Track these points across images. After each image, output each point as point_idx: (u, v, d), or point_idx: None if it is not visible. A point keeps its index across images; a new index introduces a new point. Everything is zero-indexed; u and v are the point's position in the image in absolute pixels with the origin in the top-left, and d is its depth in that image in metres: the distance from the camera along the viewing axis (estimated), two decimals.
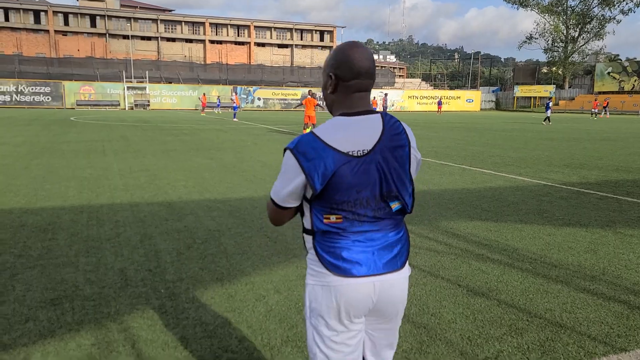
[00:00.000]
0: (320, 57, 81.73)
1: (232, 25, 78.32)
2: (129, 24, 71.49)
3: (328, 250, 1.73)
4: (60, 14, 69.36)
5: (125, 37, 70.82)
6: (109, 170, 10.37)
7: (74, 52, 67.81)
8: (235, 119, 32.91)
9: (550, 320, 3.62)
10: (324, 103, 1.88)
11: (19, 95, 47.03)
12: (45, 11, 68.02)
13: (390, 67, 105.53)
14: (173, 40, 75.47)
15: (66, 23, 69.90)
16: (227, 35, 78.11)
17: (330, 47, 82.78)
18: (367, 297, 1.74)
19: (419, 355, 3.08)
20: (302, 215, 1.83)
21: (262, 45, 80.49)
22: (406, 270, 1.85)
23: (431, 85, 78.46)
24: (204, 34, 76.55)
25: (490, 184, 9.41)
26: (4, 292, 3.95)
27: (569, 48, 74.04)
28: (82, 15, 70.43)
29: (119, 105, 50.28)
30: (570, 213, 7.10)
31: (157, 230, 5.84)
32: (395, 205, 1.76)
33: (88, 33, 70.79)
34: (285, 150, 1.72)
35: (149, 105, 51.33)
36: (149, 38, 74.11)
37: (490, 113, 60.46)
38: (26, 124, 24.16)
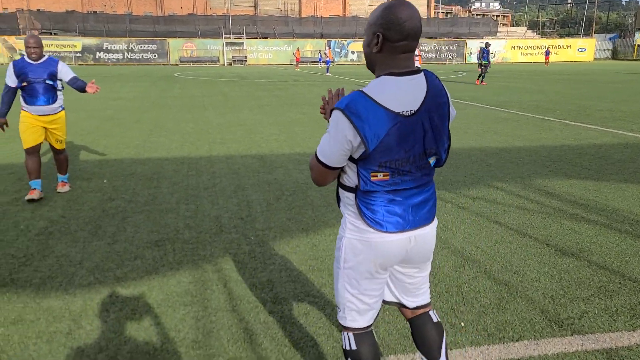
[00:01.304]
0: (417, 7, 78.45)
1: None
2: None
3: (370, 207, 1.78)
4: None
5: None
6: (209, 124, 10.96)
7: (177, 10, 70.76)
8: (328, 74, 32.93)
9: None
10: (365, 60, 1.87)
11: (129, 53, 50.27)
12: None
13: (493, 16, 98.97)
14: None
15: None
16: None
17: None
18: (403, 249, 1.85)
19: (497, 311, 3.08)
20: (342, 172, 1.85)
21: None
22: (435, 222, 1.95)
23: (538, 34, 72.69)
24: None
25: (595, 141, 8.75)
26: (117, 232, 4.45)
27: None
28: None
29: (218, 61, 52.12)
30: None
31: (250, 182, 6.16)
32: (432, 160, 1.83)
33: None
34: (333, 110, 1.72)
35: (246, 61, 52.72)
36: None
37: (605, 63, 55.10)
38: (136, 80, 25.92)
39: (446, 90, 1.82)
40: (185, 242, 4.23)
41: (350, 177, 1.81)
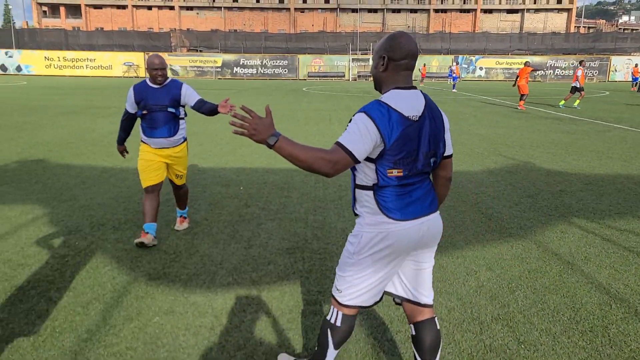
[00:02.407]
0: (555, 22, 73.87)
1: None
2: None
3: (387, 200, 2.13)
4: None
5: (354, 10, 74.22)
6: (335, 137, 11.26)
7: (308, 27, 73.92)
8: (454, 90, 32.16)
9: None
10: (373, 80, 2.28)
11: (263, 68, 53.44)
12: None
13: None
14: (398, 11, 76.36)
15: (304, 1, 76.28)
16: (453, 3, 75.78)
17: (568, 10, 74.08)
18: (418, 234, 2.17)
19: None
20: (358, 174, 2.19)
21: (490, 11, 76.06)
22: (438, 211, 2.30)
23: None
24: (429, 3, 75.55)
25: None
26: (252, 237, 4.75)
27: None
28: None
29: (343, 76, 53.37)
30: None
31: None
32: (432, 160, 2.22)
33: (322, 9, 76.14)
34: (358, 112, 2.07)
35: (370, 76, 53.32)
36: (375, 10, 76.32)
37: None
38: (268, 93, 27.44)
39: (440, 108, 2.26)
40: (313, 252, 4.39)
41: (369, 176, 2.14)
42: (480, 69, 53.96)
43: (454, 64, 42.92)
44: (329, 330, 2.31)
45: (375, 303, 2.30)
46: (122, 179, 6.96)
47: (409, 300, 2.33)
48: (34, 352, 2.83)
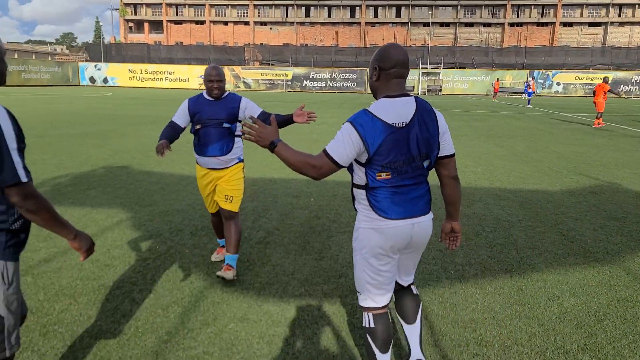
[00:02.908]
0: None
1: (536, 5, 73.11)
2: (430, 12, 73.94)
3: (377, 200, 2.32)
4: (371, 7, 76.38)
5: (426, 24, 73.60)
6: None
7: (379, 42, 74.00)
8: (529, 106, 30.98)
9: None
10: (370, 88, 2.47)
11: (332, 81, 54.02)
12: (360, 6, 75.86)
13: None
14: (471, 25, 74.91)
15: (375, 15, 76.62)
16: (530, 16, 73.34)
17: None
18: (407, 234, 2.36)
19: None
20: (354, 174, 2.40)
21: (569, 24, 72.92)
22: (431, 214, 2.46)
23: None
24: (504, 16, 73.56)
25: None
26: (322, 249, 4.77)
27: None
28: (390, 6, 76.03)
29: (412, 90, 52.86)
30: None
31: None
32: (425, 163, 2.36)
33: (392, 23, 76.13)
34: (345, 122, 2.28)
35: (440, 90, 52.49)
36: (447, 24, 75.30)
37: None
38: (337, 106, 27.67)
39: (435, 112, 2.40)
40: None
41: (361, 177, 2.35)
42: (558, 84, 51.74)
43: (530, 78, 41.34)
44: (367, 335, 2.48)
45: (389, 301, 2.51)
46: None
47: (395, 282, 2.62)
48: (120, 350, 2.97)
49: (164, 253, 4.58)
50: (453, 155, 2.44)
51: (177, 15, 79.08)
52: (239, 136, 4.06)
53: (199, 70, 54.59)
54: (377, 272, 2.39)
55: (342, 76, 53.97)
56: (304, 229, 5.39)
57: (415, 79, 53.17)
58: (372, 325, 2.45)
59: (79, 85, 56.04)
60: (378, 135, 2.23)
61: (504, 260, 4.55)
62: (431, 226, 2.45)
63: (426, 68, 54.64)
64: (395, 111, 2.27)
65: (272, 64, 58.27)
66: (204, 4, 77.87)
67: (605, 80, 18.78)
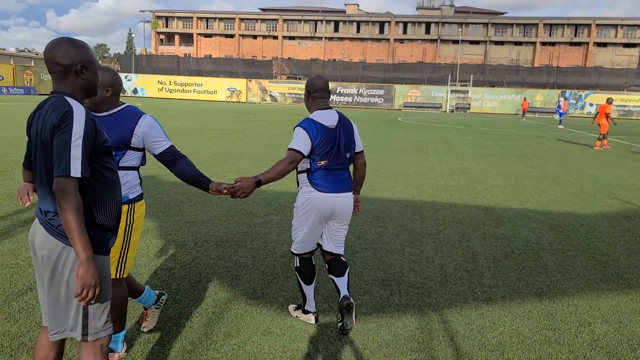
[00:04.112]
0: None
1: (569, 24, 72.23)
2: (460, 29, 73.72)
3: (315, 179, 3.31)
4: (400, 24, 76.62)
5: (455, 42, 73.36)
6: (432, 169, 11.05)
7: (407, 58, 74.02)
8: (560, 126, 30.45)
9: None
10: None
11: (359, 97, 54.15)
12: (389, 22, 76.17)
13: None
14: (501, 43, 74.38)
15: (404, 31, 76.78)
16: (562, 36, 72.45)
17: None
18: (333, 205, 3.34)
19: None
20: (299, 165, 3.30)
21: (604, 45, 71.76)
22: (351, 193, 3.49)
23: None
24: (536, 35, 72.86)
25: None
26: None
27: None
28: (419, 23, 76.13)
29: (440, 107, 52.56)
30: None
31: (475, 234, 5.98)
32: (347, 155, 3.43)
33: (422, 40, 76.15)
34: (296, 127, 3.30)
35: (469, 108, 52.06)
36: (477, 42, 74.92)
37: None
38: (364, 122, 27.65)
39: (350, 120, 3.54)
40: (410, 286, 4.27)
41: (305, 164, 3.32)
42: (591, 104, 50.78)
43: (562, 98, 40.69)
44: (297, 272, 3.54)
45: (313, 250, 3.53)
46: (223, 198, 7.27)
47: (329, 252, 3.52)
48: (143, 359, 2.97)
49: (189, 263, 4.61)
50: (362, 151, 3.57)
51: (207, 28, 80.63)
52: (131, 168, 2.86)
53: (227, 82, 55.41)
54: (307, 231, 3.39)
55: (369, 92, 54.06)
56: None
57: (444, 96, 52.87)
58: (299, 265, 3.52)
59: None
60: (318, 133, 3.25)
61: (533, 284, 4.44)
62: (352, 202, 3.48)
63: (454, 85, 54.31)
64: (327, 118, 3.33)
65: (299, 78, 58.72)
66: (234, 18, 79.28)
67: (609, 101, 18.25)
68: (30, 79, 49.08)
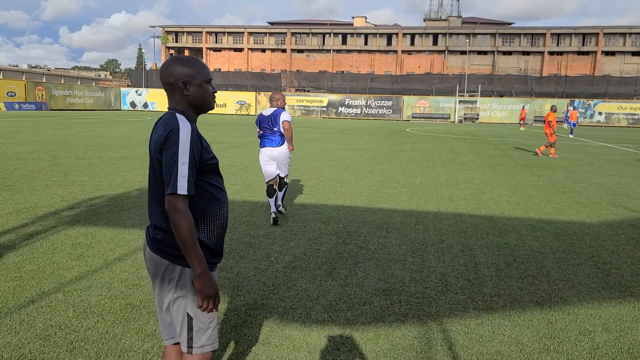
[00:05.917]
0: None
1: (576, 34, 72.06)
2: (467, 40, 73.85)
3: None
4: (408, 35, 76.90)
5: (463, 52, 73.49)
6: (437, 180, 11.04)
7: (415, 69, 74.22)
8: (571, 135, 30.28)
9: None
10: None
11: (367, 108, 54.32)
12: (397, 34, 76.51)
13: None
14: (509, 53, 74.34)
15: (412, 43, 77.02)
16: (570, 45, 72.28)
17: None
18: (271, 154, 6.70)
19: None
20: None
21: (612, 53, 71.47)
22: (281, 148, 6.69)
23: None
24: (544, 45, 72.75)
25: None
26: (349, 275, 4.74)
27: None
28: (427, 34, 76.37)
29: (448, 118, 52.56)
30: None
31: (478, 243, 5.97)
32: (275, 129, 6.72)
33: (429, 51, 76.31)
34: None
35: (477, 118, 51.99)
36: (485, 52, 74.94)
37: None
38: (371, 133, 27.73)
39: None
40: (411, 295, 4.28)
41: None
42: (600, 113, 50.58)
43: (570, 108, 40.50)
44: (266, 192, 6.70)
45: (272, 179, 6.68)
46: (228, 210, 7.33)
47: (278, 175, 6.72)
48: None
49: None
50: None
51: (216, 42, 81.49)
52: None
53: (236, 96, 55.83)
54: (266, 168, 6.67)
55: (378, 103, 54.23)
56: (331, 255, 5.38)
57: (452, 106, 52.88)
58: (267, 188, 6.67)
59: (120, 110, 58.11)
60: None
61: (535, 292, 4.42)
62: (282, 153, 6.65)
63: (463, 96, 54.31)
64: None
65: (308, 90, 59.09)
66: (242, 32, 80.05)
67: (552, 109, 17.66)
68: (42, 95, 49.77)
